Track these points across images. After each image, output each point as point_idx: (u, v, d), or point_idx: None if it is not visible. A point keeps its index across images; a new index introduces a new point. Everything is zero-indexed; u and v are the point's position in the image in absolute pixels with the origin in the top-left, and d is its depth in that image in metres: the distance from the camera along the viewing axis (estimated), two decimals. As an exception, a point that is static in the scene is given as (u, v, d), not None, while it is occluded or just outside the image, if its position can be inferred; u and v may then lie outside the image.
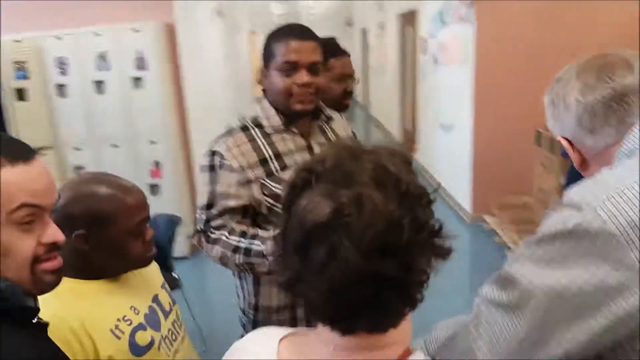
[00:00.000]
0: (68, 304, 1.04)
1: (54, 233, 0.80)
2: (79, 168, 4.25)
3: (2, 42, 3.83)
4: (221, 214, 1.46)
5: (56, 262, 0.81)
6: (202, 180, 1.51)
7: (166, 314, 1.25)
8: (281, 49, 1.44)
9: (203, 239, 1.49)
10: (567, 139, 0.99)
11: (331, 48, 1.96)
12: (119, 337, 1.09)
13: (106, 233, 1.08)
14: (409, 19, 7.11)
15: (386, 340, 0.67)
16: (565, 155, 1.13)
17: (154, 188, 4.31)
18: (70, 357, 0.92)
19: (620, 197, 0.75)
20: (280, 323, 1.51)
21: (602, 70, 0.91)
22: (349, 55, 2.04)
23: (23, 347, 0.76)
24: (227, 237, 1.45)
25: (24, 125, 3.98)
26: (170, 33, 4.24)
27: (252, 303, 1.60)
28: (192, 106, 4.53)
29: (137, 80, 4.09)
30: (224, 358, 0.80)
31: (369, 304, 0.61)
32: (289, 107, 1.47)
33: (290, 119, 1.51)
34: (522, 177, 4.04)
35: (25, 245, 0.76)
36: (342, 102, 1.99)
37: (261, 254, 1.40)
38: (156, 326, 1.19)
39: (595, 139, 0.94)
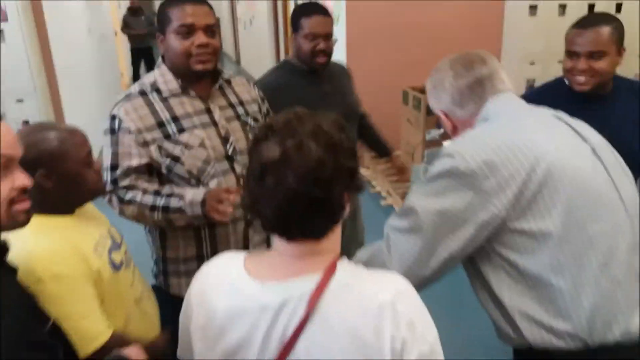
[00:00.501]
0: (53, 236, 1.22)
1: (23, 178, 0.94)
2: None
3: None
4: (126, 173, 1.53)
5: (27, 203, 0.96)
6: (105, 143, 1.57)
7: (119, 245, 1.43)
8: (177, 14, 1.52)
9: (115, 199, 1.55)
10: (444, 112, 1.31)
11: (302, 8, 2.13)
12: (100, 256, 1.30)
13: (63, 167, 1.24)
14: (279, -27, 7.16)
15: (320, 247, 0.91)
16: (439, 126, 1.44)
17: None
18: (81, 277, 1.18)
19: (478, 146, 1.09)
20: (188, 273, 1.64)
21: (467, 63, 1.25)
22: (324, 15, 2.08)
23: None
24: (141, 197, 1.53)
25: None
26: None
27: (160, 255, 1.69)
28: (60, 63, 4.29)
29: (-5, 32, 3.79)
30: (194, 281, 0.98)
31: (303, 216, 0.86)
32: (189, 68, 1.54)
33: (188, 82, 1.59)
34: (391, 132, 4.46)
35: (2, 190, 0.90)
36: (313, 60, 2.07)
37: (179, 210, 1.51)
38: (118, 251, 1.40)
39: (463, 111, 1.27)
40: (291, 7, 6.47)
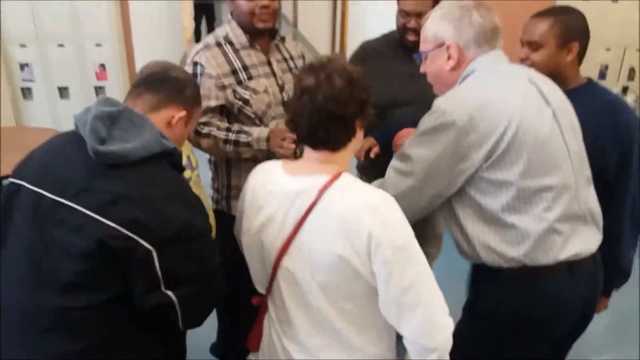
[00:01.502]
0: None
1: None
2: (24, 65, 4.37)
3: None
4: (205, 112, 1.86)
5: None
6: None
7: (192, 168, 1.79)
8: None
9: (193, 133, 1.88)
10: (457, 45, 1.39)
11: None
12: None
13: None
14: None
15: (334, 158, 1.25)
16: (419, 57, 1.50)
17: (99, 89, 4.54)
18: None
19: (464, 105, 1.31)
20: None
21: (489, 9, 1.41)
22: None
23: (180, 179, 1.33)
24: (216, 132, 1.86)
25: (-35, 18, 4.01)
26: None
27: (225, 183, 2.04)
28: (135, 10, 4.70)
29: (82, -19, 4.20)
30: (249, 176, 1.37)
31: (326, 128, 1.21)
32: (252, 25, 1.85)
33: (254, 37, 1.91)
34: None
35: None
36: (404, 36, 2.11)
37: (247, 144, 1.84)
38: (191, 171, 1.76)
39: (476, 51, 1.38)
40: (351, -26, 6.63)
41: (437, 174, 1.34)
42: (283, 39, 2.06)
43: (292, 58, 2.05)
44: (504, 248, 1.35)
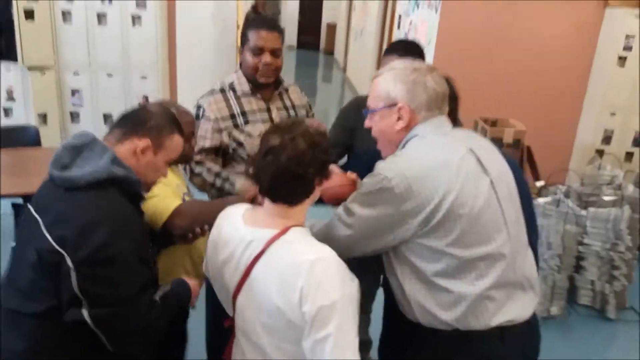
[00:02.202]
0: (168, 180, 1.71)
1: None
2: (75, 91, 4.74)
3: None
4: (199, 151, 2.01)
5: None
6: None
7: (188, 194, 1.93)
8: (253, 36, 1.98)
9: (188, 168, 2.04)
10: (410, 108, 1.40)
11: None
12: (178, 192, 1.81)
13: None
14: (391, -8, 7.57)
15: (290, 213, 1.33)
16: (366, 113, 1.51)
17: (140, 118, 4.84)
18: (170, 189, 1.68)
19: (404, 172, 1.32)
20: None
21: (441, 76, 1.46)
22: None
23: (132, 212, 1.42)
24: (206, 174, 2.00)
25: (29, 44, 4.41)
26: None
27: None
28: (181, 47, 5.02)
29: (136, 18, 4.57)
30: (217, 218, 1.47)
31: (285, 185, 1.28)
32: (256, 79, 2.03)
33: (257, 87, 2.06)
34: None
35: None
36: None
37: (229, 193, 1.96)
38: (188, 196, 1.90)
39: (426, 114, 1.41)
40: (396, 20, 6.86)
41: (375, 232, 1.39)
42: (287, 89, 2.20)
43: (293, 107, 2.19)
44: (437, 310, 1.37)
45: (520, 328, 1.40)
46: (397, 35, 6.73)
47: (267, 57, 1.99)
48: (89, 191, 1.32)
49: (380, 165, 1.40)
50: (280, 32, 2.05)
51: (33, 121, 4.51)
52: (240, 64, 2.09)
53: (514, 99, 4.78)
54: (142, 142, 1.43)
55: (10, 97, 4.65)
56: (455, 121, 1.78)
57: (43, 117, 4.64)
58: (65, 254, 1.26)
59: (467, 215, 1.32)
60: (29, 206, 1.39)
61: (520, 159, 3.99)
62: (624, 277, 3.46)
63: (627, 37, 4.54)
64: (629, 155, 4.84)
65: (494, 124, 4.29)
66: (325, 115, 7.71)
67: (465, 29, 4.65)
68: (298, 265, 1.23)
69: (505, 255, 1.37)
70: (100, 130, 4.50)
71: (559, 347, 3.15)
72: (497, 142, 4.00)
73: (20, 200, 2.98)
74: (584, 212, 3.52)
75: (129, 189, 1.40)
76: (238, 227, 1.37)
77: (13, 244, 3.17)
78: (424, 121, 1.42)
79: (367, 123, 1.51)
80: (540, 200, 3.48)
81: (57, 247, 1.27)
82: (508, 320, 1.38)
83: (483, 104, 4.73)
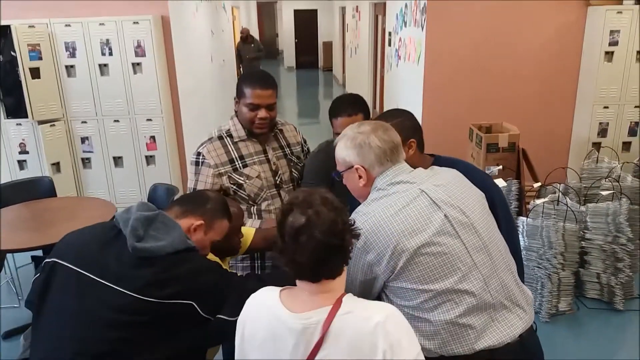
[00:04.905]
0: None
1: None
2: (85, 138, 4.95)
3: (18, 27, 4.48)
4: None
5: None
6: (190, 170, 2.22)
7: None
8: (249, 92, 2.11)
9: None
10: (364, 168, 1.56)
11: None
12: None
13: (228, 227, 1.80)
14: (380, 8, 7.76)
15: (333, 286, 1.25)
16: (337, 175, 1.67)
17: (149, 159, 5.04)
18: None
19: (363, 228, 1.41)
20: (244, 269, 2.26)
21: (386, 129, 1.59)
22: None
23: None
24: None
25: (37, 100, 4.63)
26: (165, 24, 4.91)
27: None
28: (183, 88, 5.23)
29: (136, 65, 4.78)
30: (242, 312, 1.35)
31: (327, 262, 1.21)
32: (251, 130, 2.17)
33: (252, 133, 2.19)
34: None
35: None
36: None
37: None
38: None
39: (380, 169, 1.56)
40: (387, 39, 7.03)
41: (354, 282, 1.51)
42: (281, 130, 2.35)
43: (289, 145, 2.33)
44: (421, 340, 1.44)
45: (511, 347, 1.47)
46: (388, 51, 6.89)
47: (262, 113, 2.12)
48: (169, 258, 1.47)
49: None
50: (275, 87, 2.17)
51: (47, 171, 4.71)
52: (236, 112, 2.23)
53: (506, 103, 4.90)
54: (197, 221, 1.62)
55: (24, 151, 4.87)
56: (422, 148, 1.92)
57: (56, 166, 4.85)
58: (194, 303, 1.41)
59: (422, 257, 1.43)
60: (80, 270, 1.46)
61: (517, 162, 4.09)
62: (629, 268, 3.53)
63: (612, 32, 4.65)
64: (627, 145, 4.93)
65: (488, 129, 4.40)
66: (330, 132, 7.84)
67: (451, 43, 4.80)
68: (371, 332, 1.18)
69: (473, 282, 1.47)
70: (111, 173, 4.69)
71: (571, 342, 3.25)
72: (493, 147, 4.12)
73: (40, 253, 3.14)
74: (583, 208, 3.62)
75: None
76: (279, 314, 1.26)
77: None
78: (380, 174, 1.57)
79: (343, 182, 1.67)
80: (539, 201, 3.58)
81: (174, 301, 1.42)
82: (495, 342, 1.45)
83: (476, 110, 4.85)
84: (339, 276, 1.26)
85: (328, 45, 18.40)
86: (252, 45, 10.75)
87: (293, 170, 2.31)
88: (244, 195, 2.18)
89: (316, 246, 1.19)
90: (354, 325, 1.19)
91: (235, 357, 1.37)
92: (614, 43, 4.67)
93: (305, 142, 2.45)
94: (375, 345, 1.16)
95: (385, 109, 7.34)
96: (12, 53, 4.52)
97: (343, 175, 1.65)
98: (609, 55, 4.72)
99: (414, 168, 1.70)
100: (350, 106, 2.17)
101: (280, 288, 1.32)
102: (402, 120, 1.88)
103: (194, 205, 1.67)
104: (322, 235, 1.19)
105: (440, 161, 1.90)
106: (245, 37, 10.62)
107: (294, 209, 1.23)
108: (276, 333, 1.25)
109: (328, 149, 2.22)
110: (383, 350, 1.16)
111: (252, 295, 1.35)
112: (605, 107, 4.83)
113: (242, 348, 1.34)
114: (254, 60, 10.61)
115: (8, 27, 4.49)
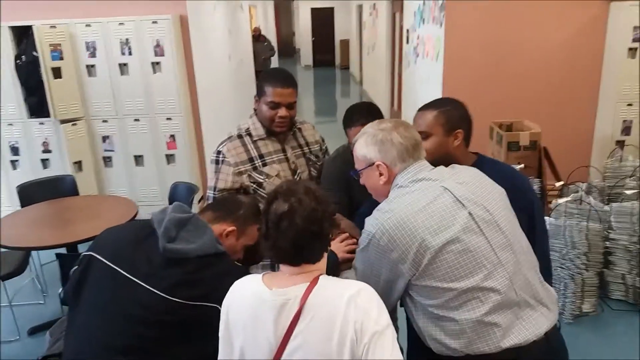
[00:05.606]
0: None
1: None
2: (106, 137, 5.01)
3: (40, 27, 4.54)
4: (220, 192, 2.16)
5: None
6: (211, 169, 2.23)
7: None
8: (270, 91, 2.10)
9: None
10: (386, 165, 1.56)
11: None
12: None
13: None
14: (397, 6, 7.72)
15: (313, 268, 1.33)
16: (355, 174, 1.66)
17: (169, 157, 5.08)
18: None
19: (386, 224, 1.44)
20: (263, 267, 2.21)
21: (407, 127, 1.59)
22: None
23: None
24: None
25: (59, 100, 4.69)
26: (184, 24, 4.94)
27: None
28: (202, 87, 5.26)
29: (155, 64, 4.82)
30: (226, 297, 1.36)
31: (306, 247, 1.29)
32: (270, 129, 2.18)
33: (271, 131, 2.20)
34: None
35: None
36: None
37: None
38: None
39: (402, 165, 1.56)
40: (405, 37, 6.99)
41: (378, 281, 1.50)
42: (300, 129, 2.35)
43: (307, 144, 2.33)
44: (447, 340, 1.45)
45: (537, 345, 1.46)
46: (406, 48, 6.85)
47: (283, 111, 2.13)
48: (199, 259, 1.51)
49: (366, 222, 1.53)
50: (295, 86, 2.17)
51: (69, 170, 4.77)
52: (255, 110, 2.23)
53: (527, 101, 4.83)
54: (230, 227, 1.66)
55: (47, 150, 4.94)
56: (468, 143, 1.88)
57: (78, 165, 4.91)
58: (219, 307, 1.39)
59: (448, 254, 1.42)
60: (115, 267, 1.50)
61: (539, 160, 4.04)
62: (654, 269, 3.47)
63: (635, 28, 4.56)
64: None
65: (509, 127, 4.35)
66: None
67: (470, 39, 4.75)
68: (344, 304, 1.24)
69: (499, 279, 1.45)
70: (132, 172, 4.75)
71: (595, 344, 3.19)
72: (514, 145, 4.07)
73: (64, 250, 3.19)
74: (607, 208, 3.56)
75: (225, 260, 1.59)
76: (261, 293, 1.32)
77: (59, 290, 3.40)
78: (401, 171, 1.57)
79: (361, 181, 1.67)
80: (561, 201, 3.53)
81: (199, 303, 1.45)
82: (520, 341, 1.44)
83: (496, 108, 4.79)
84: (318, 262, 1.35)
85: (345, 43, 18.37)
86: (265, 44, 10.77)
87: (312, 169, 2.31)
88: (263, 194, 2.18)
89: (297, 232, 1.27)
90: (329, 300, 1.26)
91: (220, 346, 1.38)
92: (637, 39, 4.59)
93: (323, 140, 2.45)
94: (347, 317, 1.23)
95: (403, 107, 7.34)
96: (34, 53, 4.59)
97: (362, 173, 1.64)
98: (633, 51, 4.62)
99: (458, 162, 1.70)
100: (364, 115, 2.14)
101: (263, 273, 1.40)
102: (450, 109, 1.85)
103: (226, 211, 1.70)
104: (303, 221, 1.27)
105: (483, 162, 1.86)
106: (258, 35, 10.64)
107: (278, 197, 1.32)
108: (257, 313, 1.30)
109: (345, 154, 2.22)
110: (354, 321, 1.22)
111: (237, 281, 1.40)
112: (629, 105, 4.74)
113: (227, 335, 1.36)
114: (267, 60, 10.67)
115: (30, 27, 4.56)
